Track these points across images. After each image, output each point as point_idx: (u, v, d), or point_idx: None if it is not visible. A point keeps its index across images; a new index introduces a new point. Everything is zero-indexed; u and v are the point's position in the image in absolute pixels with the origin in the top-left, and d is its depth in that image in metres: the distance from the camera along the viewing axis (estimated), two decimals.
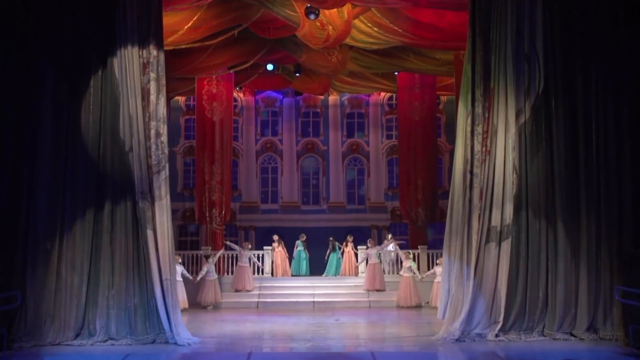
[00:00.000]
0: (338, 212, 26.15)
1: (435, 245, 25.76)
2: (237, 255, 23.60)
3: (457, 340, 14.90)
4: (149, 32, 15.36)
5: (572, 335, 14.98)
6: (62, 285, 14.75)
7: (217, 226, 25.20)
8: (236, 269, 23.60)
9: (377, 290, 23.34)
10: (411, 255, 23.04)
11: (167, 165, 15.31)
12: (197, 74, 24.70)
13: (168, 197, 15.22)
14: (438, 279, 22.53)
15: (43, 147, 14.88)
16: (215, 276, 22.92)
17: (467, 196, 15.50)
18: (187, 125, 27.51)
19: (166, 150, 15.32)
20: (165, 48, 15.54)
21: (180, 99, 29.63)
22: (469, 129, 15.55)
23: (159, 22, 15.56)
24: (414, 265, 22.85)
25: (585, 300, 15.01)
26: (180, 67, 22.74)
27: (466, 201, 15.52)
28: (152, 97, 15.23)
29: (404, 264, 22.83)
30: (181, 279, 21.99)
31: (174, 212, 27.39)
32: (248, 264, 23.51)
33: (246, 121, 28.75)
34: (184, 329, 15.22)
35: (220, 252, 23.47)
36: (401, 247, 23.81)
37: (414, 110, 25.79)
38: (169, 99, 25.24)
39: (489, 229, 15.16)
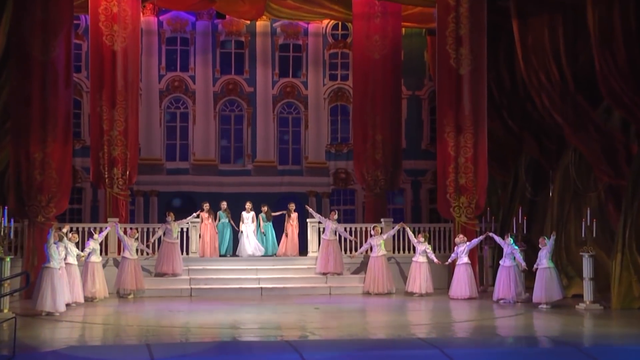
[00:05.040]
0: (267, 174, 22.92)
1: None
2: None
3: None
4: None
5: None
6: None
7: (119, 190, 20.86)
8: (162, 246, 20.00)
9: (334, 274, 20.56)
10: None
11: None
12: None
13: None
14: (419, 258, 20.12)
15: None
16: (135, 257, 19.53)
17: None
18: (75, 54, 22.23)
19: None
20: None
21: None
22: None
23: None
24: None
25: None
26: None
27: None
28: None
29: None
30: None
31: None
32: (178, 241, 20.13)
33: (146, 50, 24.02)
34: None
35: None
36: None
37: (373, 45, 22.46)
38: None
39: None
